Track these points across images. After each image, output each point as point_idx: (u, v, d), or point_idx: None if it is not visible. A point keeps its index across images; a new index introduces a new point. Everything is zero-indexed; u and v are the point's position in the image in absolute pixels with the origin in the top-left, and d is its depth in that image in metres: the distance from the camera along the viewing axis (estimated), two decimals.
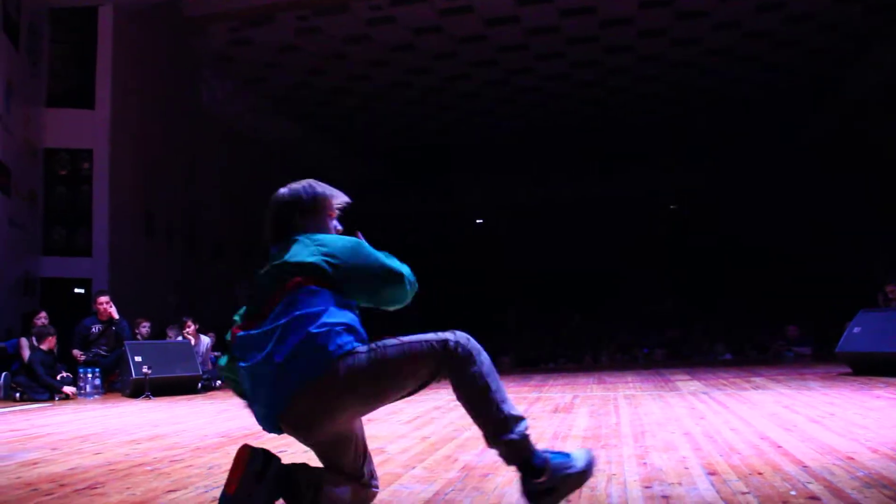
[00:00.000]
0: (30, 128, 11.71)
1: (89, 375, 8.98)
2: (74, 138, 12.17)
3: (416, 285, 2.59)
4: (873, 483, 2.62)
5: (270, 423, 2.47)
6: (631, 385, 7.87)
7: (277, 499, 2.39)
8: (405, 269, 2.55)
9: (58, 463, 3.85)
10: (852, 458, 3.08)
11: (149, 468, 3.56)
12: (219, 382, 10.04)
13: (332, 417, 2.40)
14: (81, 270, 11.99)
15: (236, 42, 14.79)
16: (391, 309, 2.60)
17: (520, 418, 2.41)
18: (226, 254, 16.07)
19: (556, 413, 5.33)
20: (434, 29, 14.39)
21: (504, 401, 2.42)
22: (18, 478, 3.45)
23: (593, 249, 22.54)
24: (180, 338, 10.24)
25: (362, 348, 2.39)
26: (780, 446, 3.47)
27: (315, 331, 2.33)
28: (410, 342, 2.43)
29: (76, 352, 9.71)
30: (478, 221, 25.30)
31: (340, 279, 2.47)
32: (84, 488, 3.12)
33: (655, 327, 17.61)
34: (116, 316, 9.85)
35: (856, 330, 7.93)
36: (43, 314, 10.00)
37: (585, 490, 2.69)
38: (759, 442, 3.63)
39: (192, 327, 10.27)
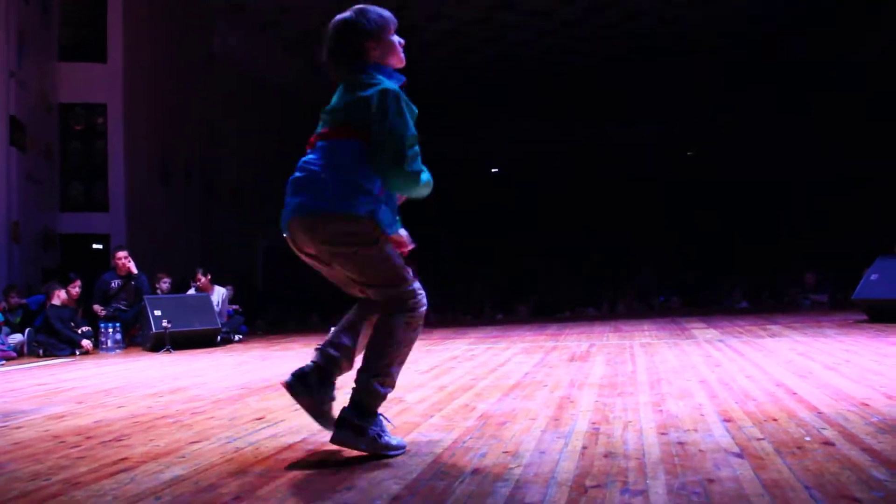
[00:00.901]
0: (44, 83, 11.70)
1: (110, 330, 9.09)
2: (88, 92, 12.18)
3: (414, 165, 2.65)
4: (887, 429, 2.63)
5: None
6: (647, 333, 7.90)
7: (330, 384, 2.78)
8: (408, 147, 2.62)
9: (83, 416, 3.93)
10: (867, 405, 3.10)
11: (171, 420, 3.63)
12: (238, 336, 10.14)
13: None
14: (100, 226, 12.09)
15: None
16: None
17: (389, 387, 2.73)
18: (244, 201, 16.10)
19: (572, 362, 5.36)
20: None
21: (393, 364, 2.73)
22: (46, 430, 3.52)
23: (611, 196, 22.44)
24: (192, 290, 10.30)
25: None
26: (794, 393, 3.49)
27: None
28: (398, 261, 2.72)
29: (97, 307, 9.82)
30: (493, 170, 25.18)
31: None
32: (110, 440, 3.19)
33: (672, 275, 17.57)
34: (135, 271, 9.93)
35: (873, 277, 7.89)
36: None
37: (602, 437, 2.73)
38: (775, 389, 3.65)
39: (203, 279, 10.27)
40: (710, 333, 7.42)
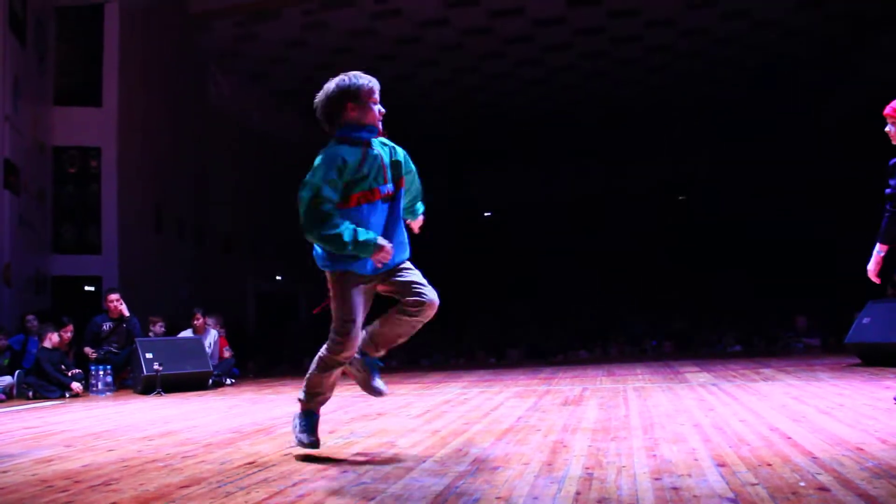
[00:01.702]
0: (38, 126, 11.77)
1: (101, 373, 9.02)
2: (83, 136, 12.24)
3: (308, 208, 3.27)
4: (882, 474, 2.62)
5: None
6: (640, 377, 7.88)
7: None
8: (307, 189, 3.27)
9: (72, 460, 3.88)
10: (861, 449, 3.09)
11: (162, 464, 3.59)
12: (230, 380, 10.07)
13: None
14: (92, 268, 12.06)
15: (242, 37, 14.82)
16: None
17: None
18: (235, 248, 16.12)
19: (565, 405, 5.34)
20: (440, 22, 14.38)
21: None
22: (34, 475, 3.48)
23: (602, 242, 22.54)
24: (188, 330, 10.24)
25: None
26: (789, 437, 3.48)
27: None
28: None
29: (88, 349, 9.76)
30: (486, 214, 25.30)
31: None
32: (98, 485, 3.15)
33: (664, 319, 17.57)
34: (127, 313, 9.89)
35: (865, 320, 7.91)
36: (31, 316, 10.07)
37: (595, 483, 2.71)
38: (769, 433, 3.64)
39: (202, 319, 10.24)
40: (704, 377, 7.40)
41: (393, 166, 3.44)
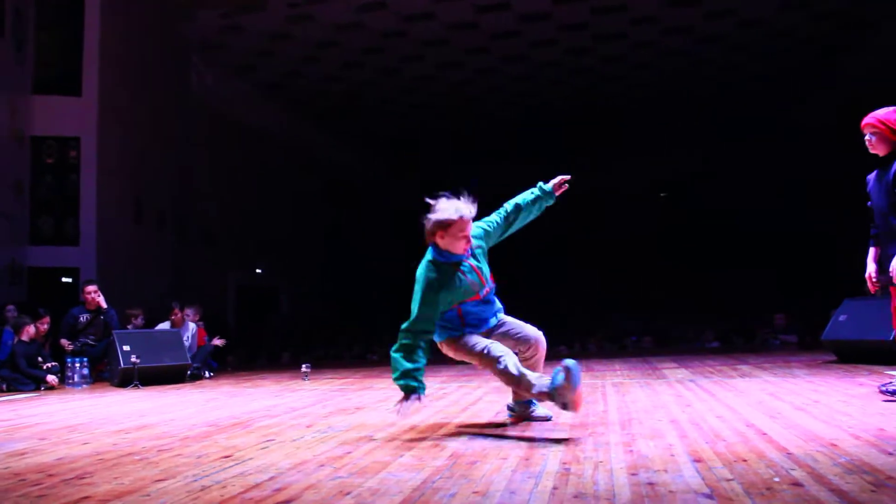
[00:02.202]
0: (16, 116, 11.63)
1: (77, 365, 8.92)
2: (61, 126, 12.09)
3: (400, 344, 4.00)
4: (855, 469, 2.65)
5: None
6: (619, 373, 7.91)
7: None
8: (408, 322, 3.98)
9: (46, 453, 3.85)
10: (835, 445, 3.12)
11: (137, 458, 3.57)
12: (209, 373, 9.99)
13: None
14: (69, 259, 11.94)
15: (227, 29, 14.68)
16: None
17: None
18: (217, 241, 16.02)
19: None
20: (426, 16, 14.33)
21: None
22: (7, 468, 3.45)
23: (584, 239, 22.61)
24: (167, 323, 10.16)
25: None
26: (764, 433, 3.51)
27: None
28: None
29: (64, 341, 9.65)
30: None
31: None
32: (72, 478, 3.13)
33: (643, 315, 17.65)
34: (104, 305, 9.80)
35: (841, 318, 7.98)
36: (11, 307, 9.95)
37: (572, 478, 2.72)
38: (745, 429, 3.66)
39: (179, 314, 10.15)
40: (682, 373, 7.44)
41: (480, 270, 4.15)
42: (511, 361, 3.90)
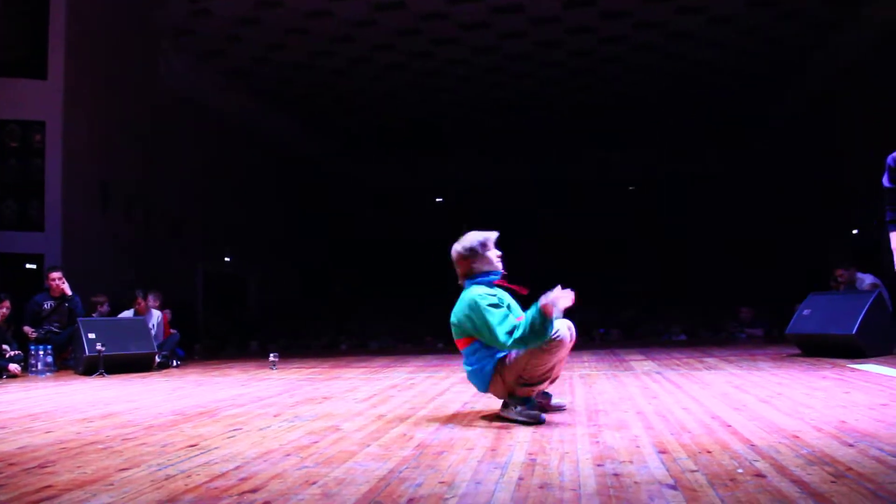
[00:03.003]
0: None
1: (41, 353, 8.78)
2: (26, 110, 11.88)
3: (513, 341, 3.80)
4: (816, 461, 2.69)
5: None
6: (587, 364, 7.97)
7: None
8: (501, 335, 3.83)
9: (6, 442, 3.79)
10: (798, 437, 3.17)
11: (101, 446, 3.52)
12: (176, 362, 9.89)
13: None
14: (33, 245, 11.75)
15: (195, 13, 14.48)
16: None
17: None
18: (184, 229, 15.86)
19: None
20: (396, 5, 14.25)
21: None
22: None
23: (553, 230, 22.72)
24: (130, 312, 10.03)
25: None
26: (729, 425, 3.55)
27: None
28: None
29: (27, 329, 9.51)
30: (437, 200, 25.28)
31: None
32: (34, 467, 3.08)
33: (612, 308, 17.78)
34: (69, 292, 9.67)
35: (805, 312, 8.10)
36: None
37: (538, 468, 2.73)
38: (710, 421, 3.71)
39: (143, 303, 10.02)
40: (649, 365, 7.51)
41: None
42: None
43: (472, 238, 4.17)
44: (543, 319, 3.71)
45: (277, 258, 20.22)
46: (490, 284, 4.12)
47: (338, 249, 23.34)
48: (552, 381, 4.15)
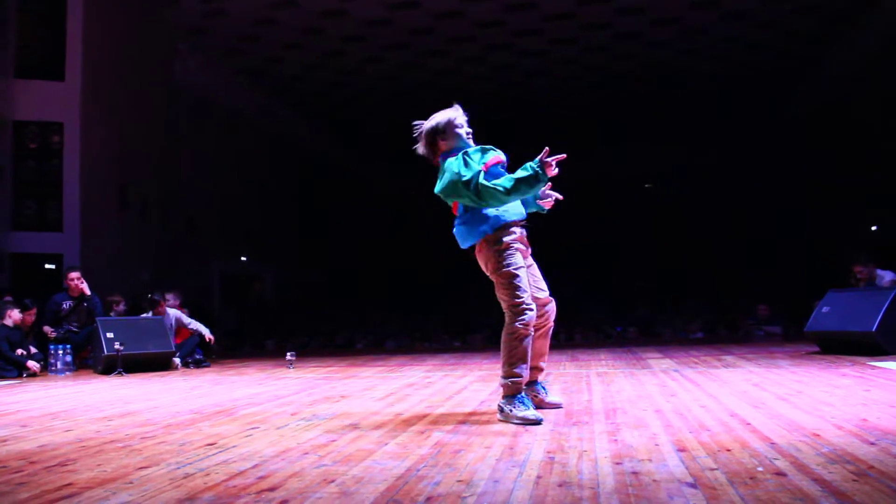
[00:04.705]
0: None
1: (60, 352, 8.87)
2: (44, 111, 11.98)
3: (476, 187, 3.78)
4: (837, 459, 2.67)
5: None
6: (604, 363, 7.94)
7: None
8: (470, 176, 3.79)
9: (27, 440, 3.82)
10: (818, 435, 3.14)
11: (120, 445, 3.54)
12: (204, 361, 9.88)
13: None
14: (52, 245, 11.85)
15: (210, 14, 14.55)
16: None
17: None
18: (200, 228, 15.93)
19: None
20: (410, 4, 14.26)
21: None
22: None
23: (569, 229, 22.64)
24: (149, 314, 10.06)
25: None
26: (748, 423, 3.52)
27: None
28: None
29: (47, 328, 9.58)
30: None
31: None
32: (54, 465, 3.10)
33: (628, 306, 17.72)
34: (88, 292, 9.73)
35: (824, 309, 8.03)
36: (8, 298, 9.84)
37: (557, 466, 2.72)
38: (729, 419, 3.68)
39: (163, 304, 10.04)
40: (666, 363, 7.48)
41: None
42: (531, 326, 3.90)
43: (442, 115, 4.08)
44: (542, 172, 3.78)
45: (292, 257, 20.29)
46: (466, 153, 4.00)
47: (343, 249, 23.37)
48: (539, 370, 4.20)
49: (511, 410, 3.78)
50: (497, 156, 4.05)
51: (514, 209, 4.02)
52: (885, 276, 9.55)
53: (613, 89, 19.41)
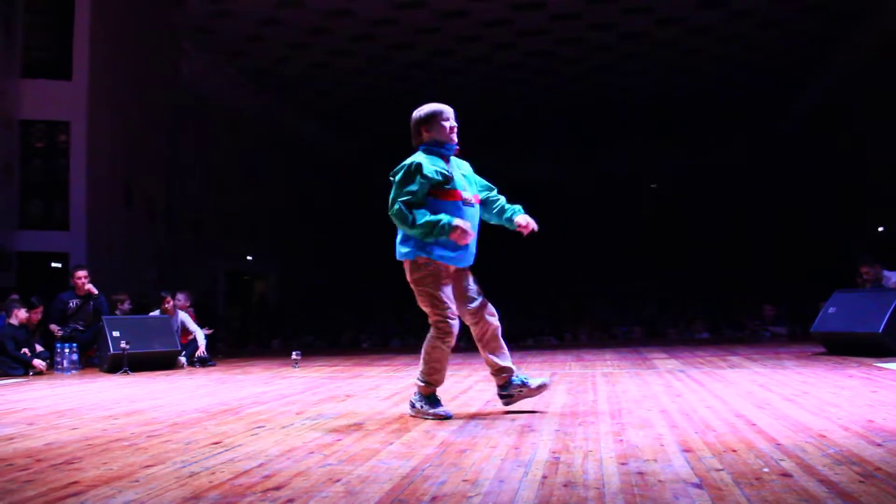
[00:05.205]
0: (5, 99, 11.54)
1: (66, 351, 8.88)
2: (51, 110, 12.01)
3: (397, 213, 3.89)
4: (843, 460, 2.66)
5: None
6: (609, 363, 7.93)
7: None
8: (396, 200, 3.91)
9: (34, 438, 3.83)
10: (824, 436, 3.13)
11: (126, 443, 3.55)
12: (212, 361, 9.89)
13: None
14: (58, 244, 11.87)
15: (216, 14, 14.57)
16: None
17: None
18: (205, 227, 15.96)
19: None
20: (417, 4, 14.26)
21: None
22: None
23: (573, 228, 22.62)
24: (156, 312, 10.08)
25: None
26: (754, 424, 3.51)
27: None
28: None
29: (53, 327, 9.60)
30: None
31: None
32: (60, 463, 3.11)
33: (633, 306, 17.69)
34: (94, 291, 9.74)
35: (830, 310, 8.01)
36: (15, 295, 9.88)
37: (562, 466, 2.72)
38: (734, 420, 3.67)
39: (171, 303, 10.07)
40: (671, 363, 7.47)
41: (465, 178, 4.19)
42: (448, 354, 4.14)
43: (431, 106, 4.18)
44: (446, 232, 3.82)
45: (297, 257, 20.30)
46: (440, 156, 4.08)
47: (349, 249, 23.37)
48: (509, 370, 4.25)
49: (423, 407, 4.09)
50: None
51: (457, 256, 4.03)
52: (892, 277, 9.51)
53: (618, 90, 19.37)
